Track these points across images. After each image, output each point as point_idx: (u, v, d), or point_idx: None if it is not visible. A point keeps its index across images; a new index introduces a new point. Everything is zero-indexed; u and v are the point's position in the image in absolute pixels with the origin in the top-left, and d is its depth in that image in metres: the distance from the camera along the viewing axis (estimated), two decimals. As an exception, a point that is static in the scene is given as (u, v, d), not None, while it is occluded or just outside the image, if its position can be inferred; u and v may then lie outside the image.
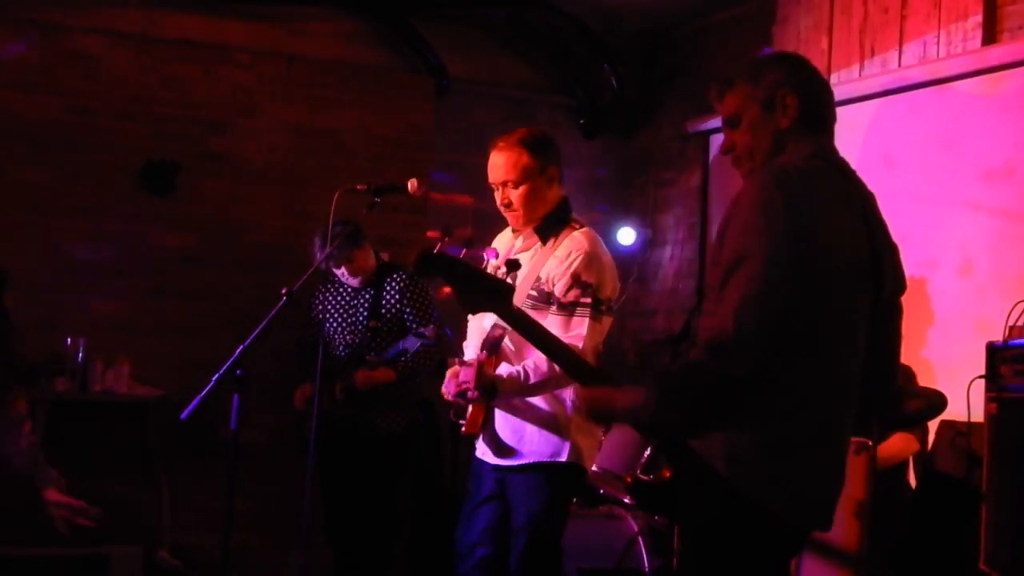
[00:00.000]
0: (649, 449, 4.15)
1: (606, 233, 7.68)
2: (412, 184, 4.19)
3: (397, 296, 5.57)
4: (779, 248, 2.60)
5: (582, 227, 3.94)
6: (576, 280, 3.77)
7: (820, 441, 2.74)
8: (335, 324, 5.66)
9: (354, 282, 5.62)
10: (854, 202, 2.81)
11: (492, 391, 3.77)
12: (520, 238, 4.03)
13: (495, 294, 3.14)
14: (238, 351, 3.81)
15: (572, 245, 3.86)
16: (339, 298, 5.70)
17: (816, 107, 2.88)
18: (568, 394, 3.86)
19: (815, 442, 2.73)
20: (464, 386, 3.78)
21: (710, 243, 7.06)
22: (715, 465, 2.68)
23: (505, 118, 7.32)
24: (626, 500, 5.10)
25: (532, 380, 3.76)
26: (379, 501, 5.66)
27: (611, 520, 5.32)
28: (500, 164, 3.92)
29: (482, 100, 7.33)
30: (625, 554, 5.10)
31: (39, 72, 6.32)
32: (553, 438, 3.87)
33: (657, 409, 2.73)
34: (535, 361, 3.75)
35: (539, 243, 3.94)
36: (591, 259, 3.83)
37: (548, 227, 3.94)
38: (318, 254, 5.40)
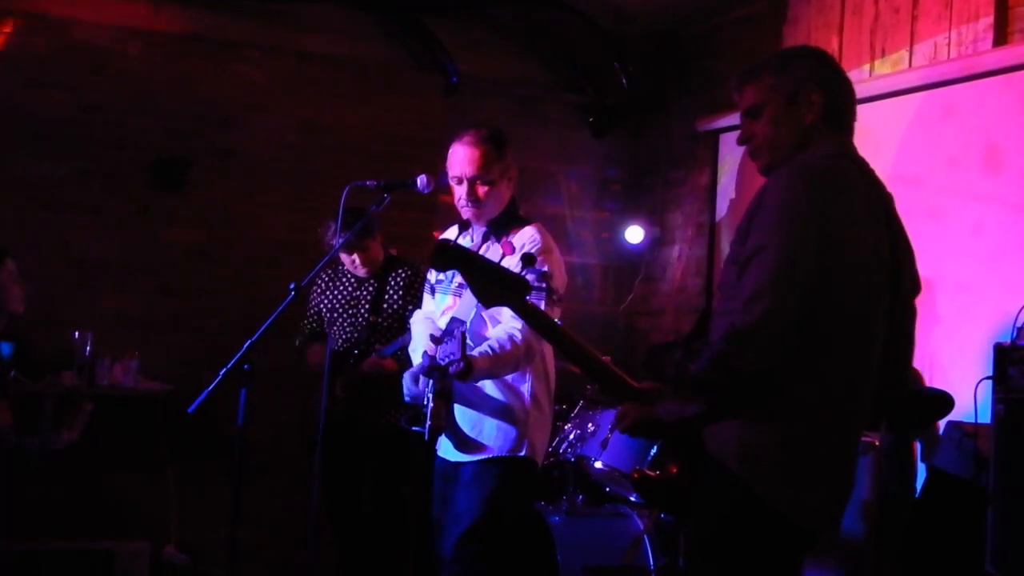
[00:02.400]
0: (656, 447, 4.16)
1: (615, 231, 7.69)
2: (421, 181, 4.18)
3: (401, 291, 5.56)
4: (798, 243, 2.59)
5: (531, 222, 4.05)
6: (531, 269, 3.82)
7: (834, 442, 2.73)
8: (335, 317, 5.64)
9: (361, 272, 5.59)
10: (876, 202, 2.81)
11: (467, 370, 3.75)
12: (470, 235, 4.10)
13: (511, 287, 3.15)
14: (246, 346, 3.80)
15: (524, 238, 3.96)
16: (340, 290, 5.67)
17: (840, 105, 2.88)
18: (526, 387, 3.93)
19: (829, 443, 2.72)
20: (451, 358, 3.77)
21: (719, 242, 7.08)
22: (728, 464, 2.68)
23: (515, 116, 7.33)
24: (632, 498, 5.10)
25: (500, 352, 3.79)
26: (384, 498, 5.66)
27: (617, 518, 5.32)
28: (473, 159, 3.99)
29: (492, 98, 7.33)
30: (631, 552, 5.10)
31: (49, 67, 6.34)
32: (511, 432, 3.92)
33: (691, 410, 2.72)
34: (499, 340, 3.81)
35: (492, 240, 4.02)
36: (543, 250, 3.92)
37: (501, 224, 4.04)
38: (332, 240, 5.39)
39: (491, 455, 3.92)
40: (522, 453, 3.92)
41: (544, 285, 3.75)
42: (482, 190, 3.98)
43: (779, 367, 2.61)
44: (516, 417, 3.93)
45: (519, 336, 3.80)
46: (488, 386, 3.93)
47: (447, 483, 4.07)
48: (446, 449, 4.05)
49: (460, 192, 4.01)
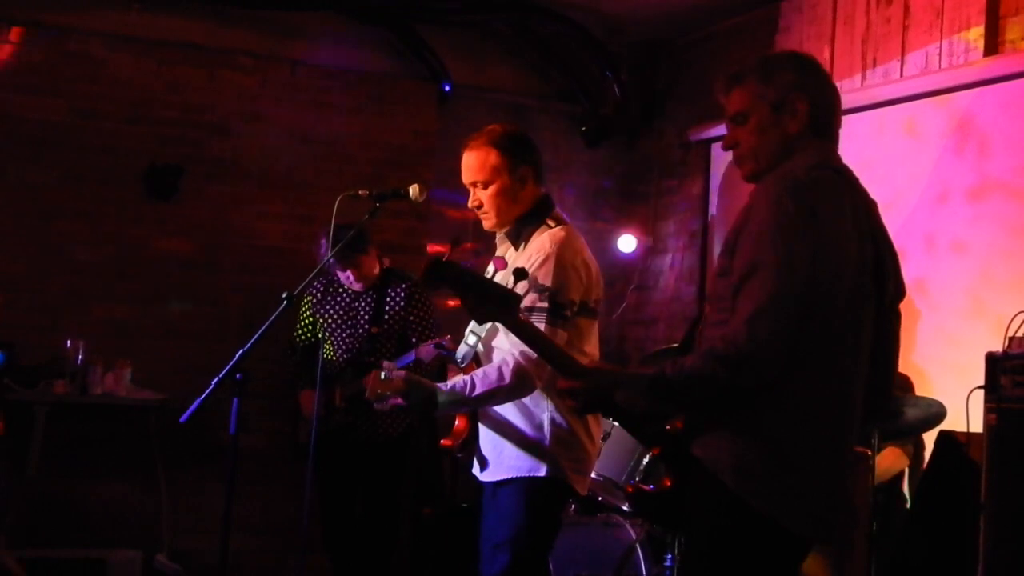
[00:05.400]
0: (648, 457, 4.15)
1: (608, 240, 7.68)
2: (414, 190, 4.16)
3: (403, 304, 5.54)
4: (793, 259, 2.59)
5: (557, 226, 3.75)
6: (533, 284, 3.58)
7: (827, 453, 2.73)
8: (333, 328, 5.62)
9: (357, 287, 5.58)
10: (860, 211, 2.81)
11: (432, 403, 3.62)
12: (499, 242, 3.93)
13: (503, 304, 3.09)
14: (238, 355, 3.80)
15: (535, 247, 3.71)
16: (337, 302, 5.65)
17: (825, 113, 2.85)
18: (544, 406, 3.73)
19: (822, 454, 2.72)
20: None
21: (711, 251, 7.09)
22: (722, 477, 2.67)
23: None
24: (624, 507, 5.10)
25: (478, 391, 3.60)
26: (378, 507, 5.65)
27: (609, 528, 5.32)
28: (470, 164, 3.80)
29: (485, 107, 7.32)
30: (623, 562, 5.10)
31: (43, 74, 6.34)
32: (530, 453, 3.74)
33: (655, 404, 2.74)
34: (485, 370, 3.63)
35: (511, 247, 3.83)
36: (549, 261, 3.64)
37: (519, 229, 3.80)
38: (325, 257, 5.37)
39: (510, 475, 3.77)
40: (541, 474, 3.73)
41: (546, 305, 3.57)
42: (483, 195, 3.78)
43: (772, 381, 2.62)
44: (534, 438, 3.74)
45: (509, 368, 3.58)
46: (507, 408, 3.76)
47: (482, 497, 4.00)
48: (474, 465, 3.99)
49: (470, 200, 3.84)
